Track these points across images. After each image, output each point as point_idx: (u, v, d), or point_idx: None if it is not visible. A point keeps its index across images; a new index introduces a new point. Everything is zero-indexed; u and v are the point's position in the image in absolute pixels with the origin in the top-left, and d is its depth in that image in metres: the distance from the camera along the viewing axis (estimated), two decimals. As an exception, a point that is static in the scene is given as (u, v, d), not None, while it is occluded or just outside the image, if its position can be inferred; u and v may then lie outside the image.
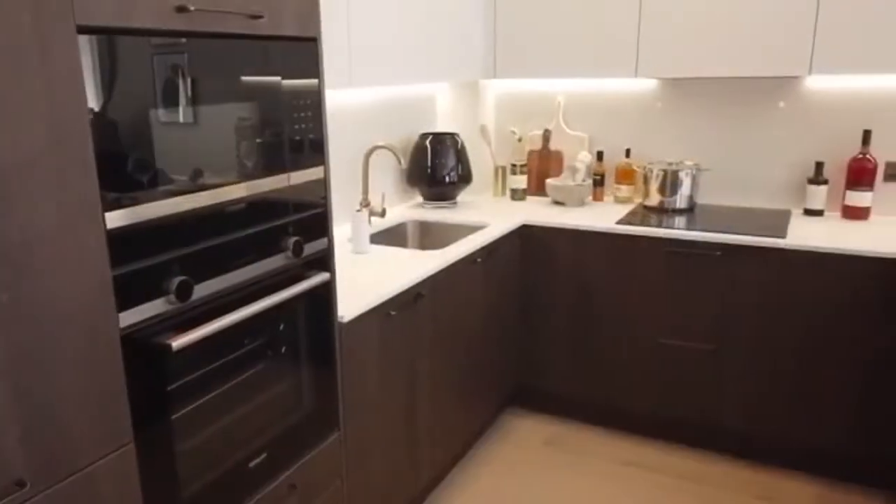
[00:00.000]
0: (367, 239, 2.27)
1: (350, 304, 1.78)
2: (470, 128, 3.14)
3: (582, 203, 2.96)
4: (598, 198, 3.04)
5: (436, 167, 2.89)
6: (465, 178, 2.96)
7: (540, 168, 3.16)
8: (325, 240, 1.66)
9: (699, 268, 2.44)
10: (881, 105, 2.53)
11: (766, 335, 2.39)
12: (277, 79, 1.45)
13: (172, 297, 1.25)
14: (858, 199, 2.54)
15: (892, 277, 2.14)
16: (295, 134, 1.52)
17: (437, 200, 2.96)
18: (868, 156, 2.52)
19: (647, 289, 2.55)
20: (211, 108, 1.29)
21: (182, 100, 1.23)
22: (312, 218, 1.61)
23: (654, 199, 2.79)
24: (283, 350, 1.59)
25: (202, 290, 1.32)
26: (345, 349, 1.76)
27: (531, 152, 3.19)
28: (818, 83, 2.62)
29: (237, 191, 1.38)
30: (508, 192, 3.13)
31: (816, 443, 2.40)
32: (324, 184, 1.62)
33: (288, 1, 1.45)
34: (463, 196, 3.18)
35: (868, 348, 2.24)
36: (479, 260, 2.43)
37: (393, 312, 1.92)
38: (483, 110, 3.17)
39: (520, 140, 3.18)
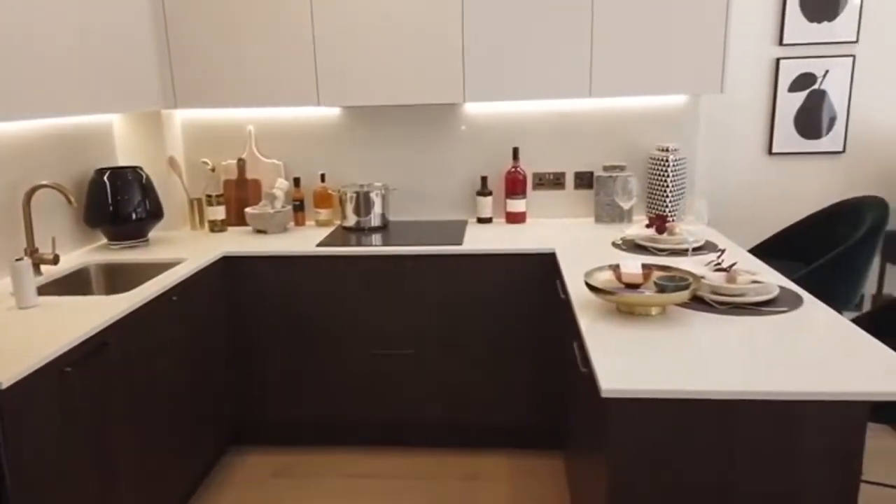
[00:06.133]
0: (33, 291, 2.01)
1: (9, 367, 1.56)
2: (156, 160, 2.97)
3: (284, 229, 2.99)
4: (300, 223, 3.10)
5: (118, 204, 2.67)
6: (156, 213, 2.79)
7: (238, 197, 3.12)
8: (-37, 298, 1.43)
9: (394, 279, 2.64)
10: (524, 125, 3.03)
11: (456, 332, 2.68)
12: None
13: None
14: (516, 205, 3.01)
15: (547, 268, 2.58)
16: None
17: (124, 240, 2.74)
18: (518, 169, 2.99)
19: (353, 305, 2.68)
20: None
21: None
22: (-57, 275, 1.38)
23: (351, 219, 2.95)
24: (-82, 436, 1.33)
25: None
26: (7, 420, 1.53)
27: (227, 182, 3.12)
28: (479, 108, 3.03)
29: None
30: (207, 225, 3.03)
31: (508, 420, 2.76)
32: (-46, 234, 1.40)
33: None
34: (155, 233, 2.99)
35: (538, 333, 2.65)
36: (175, 298, 2.31)
37: (69, 368, 1.73)
38: (170, 141, 3.02)
39: (213, 170, 3.10)
